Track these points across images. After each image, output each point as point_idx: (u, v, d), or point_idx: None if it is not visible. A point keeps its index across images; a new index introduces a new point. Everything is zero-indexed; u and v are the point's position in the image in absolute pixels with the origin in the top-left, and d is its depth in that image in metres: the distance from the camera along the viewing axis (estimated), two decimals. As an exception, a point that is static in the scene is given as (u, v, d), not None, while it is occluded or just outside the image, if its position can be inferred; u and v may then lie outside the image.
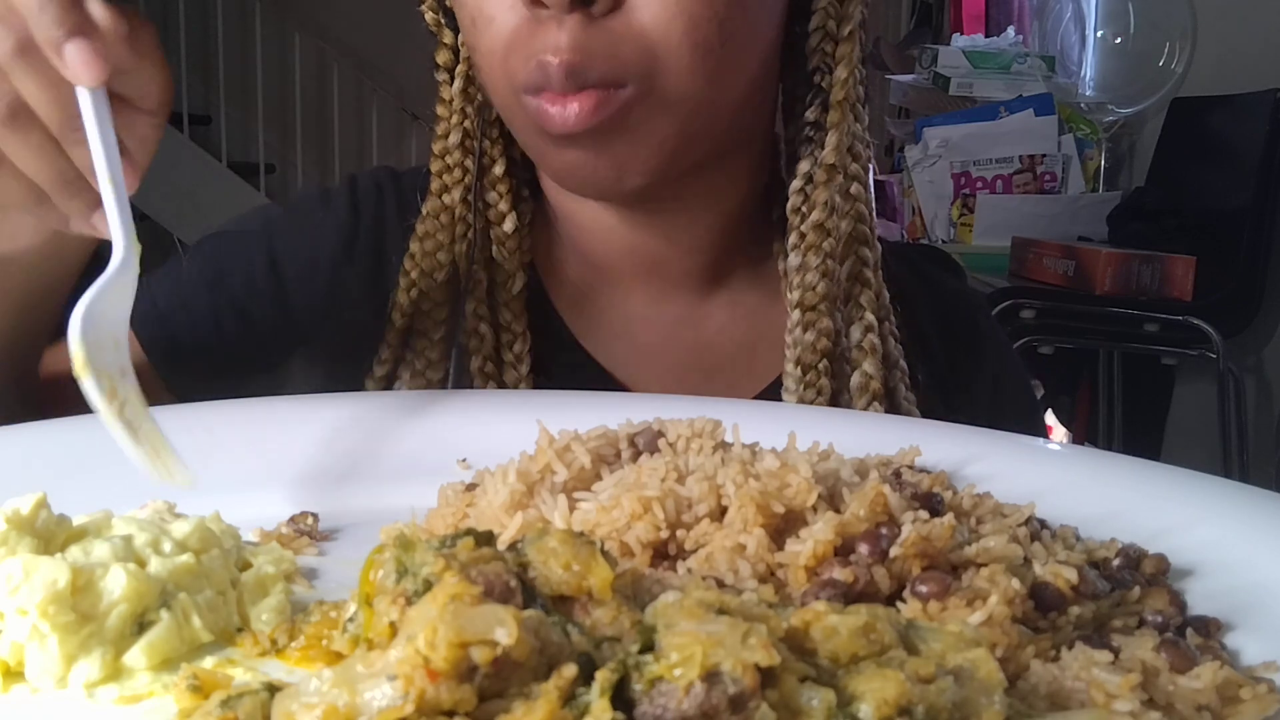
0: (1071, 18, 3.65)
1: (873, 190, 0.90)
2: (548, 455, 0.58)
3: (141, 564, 0.48)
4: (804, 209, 0.86)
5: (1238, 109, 3.00)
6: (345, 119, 6.06)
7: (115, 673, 0.45)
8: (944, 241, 3.37)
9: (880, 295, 0.89)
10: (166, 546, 0.50)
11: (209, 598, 0.49)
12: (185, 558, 0.50)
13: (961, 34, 3.83)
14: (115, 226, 0.60)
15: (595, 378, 0.90)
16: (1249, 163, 2.89)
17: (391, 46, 5.86)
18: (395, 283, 0.90)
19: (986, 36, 3.74)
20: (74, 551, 0.48)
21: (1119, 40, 3.57)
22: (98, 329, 0.56)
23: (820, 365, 0.84)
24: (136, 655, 0.46)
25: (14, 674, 0.45)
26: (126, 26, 0.60)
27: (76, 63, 0.58)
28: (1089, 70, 3.63)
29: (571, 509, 0.55)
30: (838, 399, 0.85)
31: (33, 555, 0.47)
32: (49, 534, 0.49)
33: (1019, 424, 0.97)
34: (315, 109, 6.14)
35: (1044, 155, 3.35)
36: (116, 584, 0.46)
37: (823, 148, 0.86)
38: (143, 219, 5.51)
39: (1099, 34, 3.60)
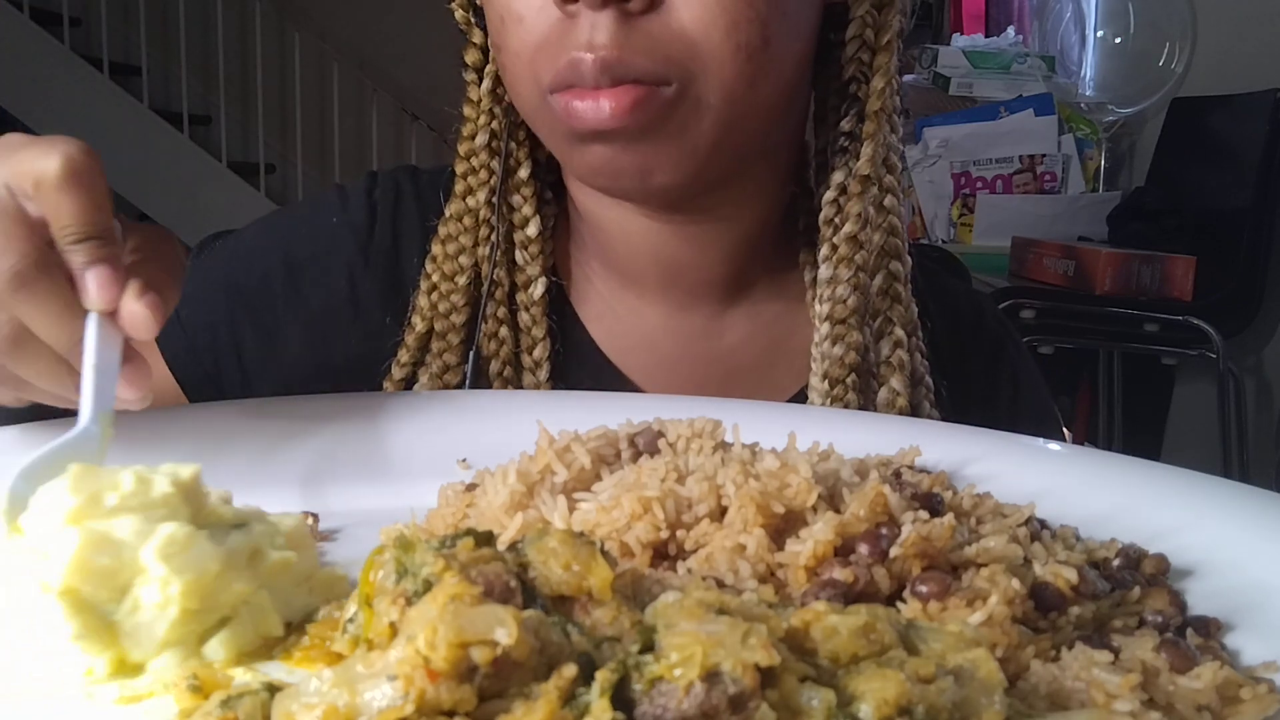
0: (1071, 18, 3.65)
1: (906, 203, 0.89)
2: (548, 456, 0.58)
3: (258, 555, 0.49)
4: (836, 220, 0.85)
5: (1238, 109, 3.00)
6: (345, 119, 6.07)
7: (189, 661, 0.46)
8: (944, 241, 3.37)
9: (909, 310, 0.87)
10: (279, 541, 0.51)
11: (288, 593, 0.50)
12: (287, 554, 0.50)
13: (961, 34, 3.83)
14: (86, 399, 0.59)
15: (614, 385, 0.89)
16: (1249, 163, 2.90)
17: (391, 46, 5.87)
18: (413, 285, 0.89)
19: (986, 36, 3.75)
20: (219, 536, 0.49)
21: (1119, 40, 3.57)
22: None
23: (848, 380, 0.83)
24: (215, 647, 0.46)
25: (131, 668, 0.45)
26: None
27: (95, 289, 0.58)
28: (1089, 70, 3.64)
29: (571, 509, 0.55)
30: None
31: (193, 529, 0.47)
32: (197, 508, 0.50)
33: (1038, 425, 0.97)
34: (315, 109, 6.14)
35: (1044, 155, 3.36)
36: (242, 581, 0.47)
37: (857, 158, 0.84)
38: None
39: (1099, 34, 3.61)
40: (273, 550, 0.50)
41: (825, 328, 0.84)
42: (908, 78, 3.60)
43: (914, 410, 0.85)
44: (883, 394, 0.85)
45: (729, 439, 0.62)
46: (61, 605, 0.44)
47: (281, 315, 0.90)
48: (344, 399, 0.79)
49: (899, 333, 0.86)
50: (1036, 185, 3.37)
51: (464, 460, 0.68)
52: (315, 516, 0.60)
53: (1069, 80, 3.59)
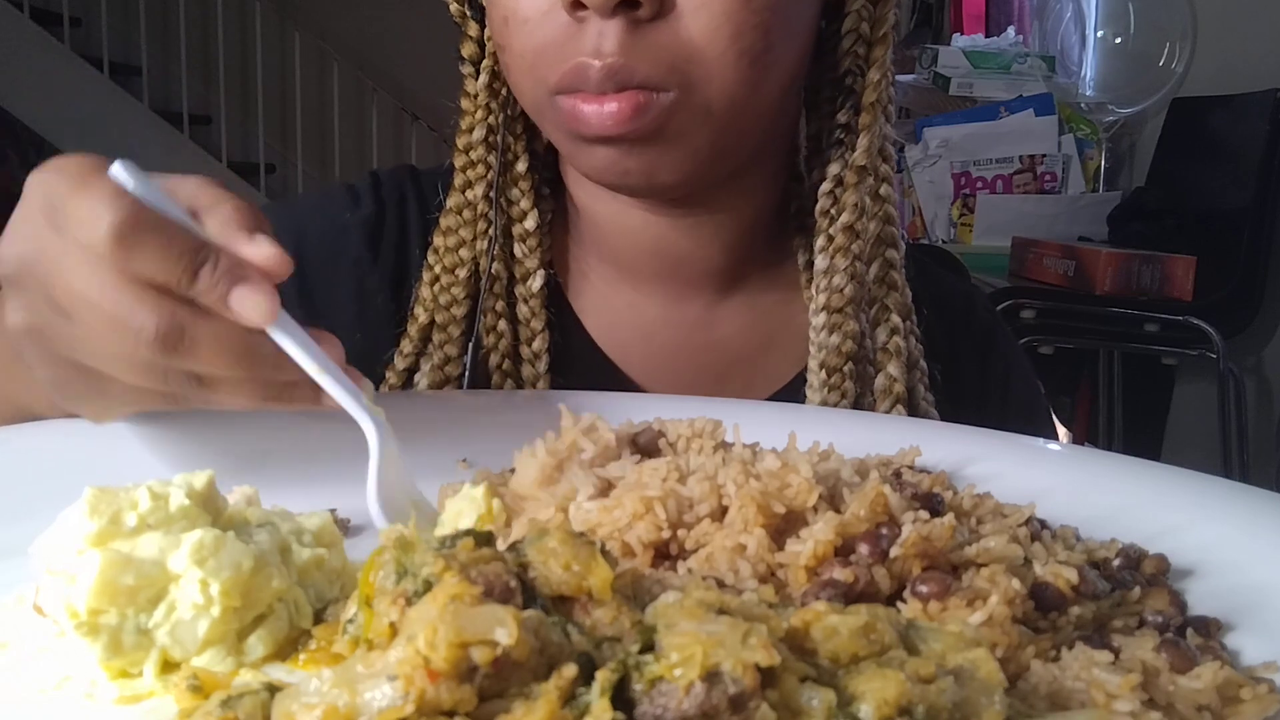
0: (1071, 18, 3.65)
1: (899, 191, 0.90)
2: (573, 434, 0.59)
3: (286, 551, 0.50)
4: (833, 211, 0.86)
5: (1238, 109, 3.00)
6: (345, 119, 6.07)
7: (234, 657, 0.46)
8: (944, 241, 3.37)
9: (905, 295, 0.89)
10: (306, 538, 0.51)
11: (320, 588, 0.50)
12: (319, 551, 0.51)
13: (961, 34, 3.83)
14: (352, 410, 0.57)
15: (611, 378, 0.90)
16: (1249, 163, 2.90)
17: (391, 46, 5.87)
18: (417, 277, 0.90)
19: (986, 36, 3.75)
20: (244, 536, 0.49)
21: (1119, 40, 3.57)
22: (393, 508, 0.57)
23: (845, 368, 0.84)
24: (255, 643, 0.46)
25: (172, 666, 0.45)
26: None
27: (249, 311, 0.53)
28: (1089, 70, 3.63)
29: (600, 484, 0.55)
30: (860, 401, 0.85)
31: (220, 532, 0.47)
32: (216, 513, 0.50)
33: (1029, 419, 0.97)
34: (315, 109, 6.14)
35: (1044, 155, 3.36)
36: (278, 577, 0.47)
37: (853, 150, 0.85)
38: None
39: (1099, 34, 3.60)
40: (302, 547, 0.50)
41: (822, 317, 0.85)
42: (908, 78, 3.60)
43: (910, 395, 0.86)
44: (880, 380, 0.85)
45: (729, 439, 0.62)
46: (81, 636, 0.44)
47: (290, 310, 0.90)
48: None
49: (895, 319, 0.87)
50: (1036, 185, 3.37)
51: (464, 460, 0.68)
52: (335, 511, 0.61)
53: (1069, 80, 3.58)
